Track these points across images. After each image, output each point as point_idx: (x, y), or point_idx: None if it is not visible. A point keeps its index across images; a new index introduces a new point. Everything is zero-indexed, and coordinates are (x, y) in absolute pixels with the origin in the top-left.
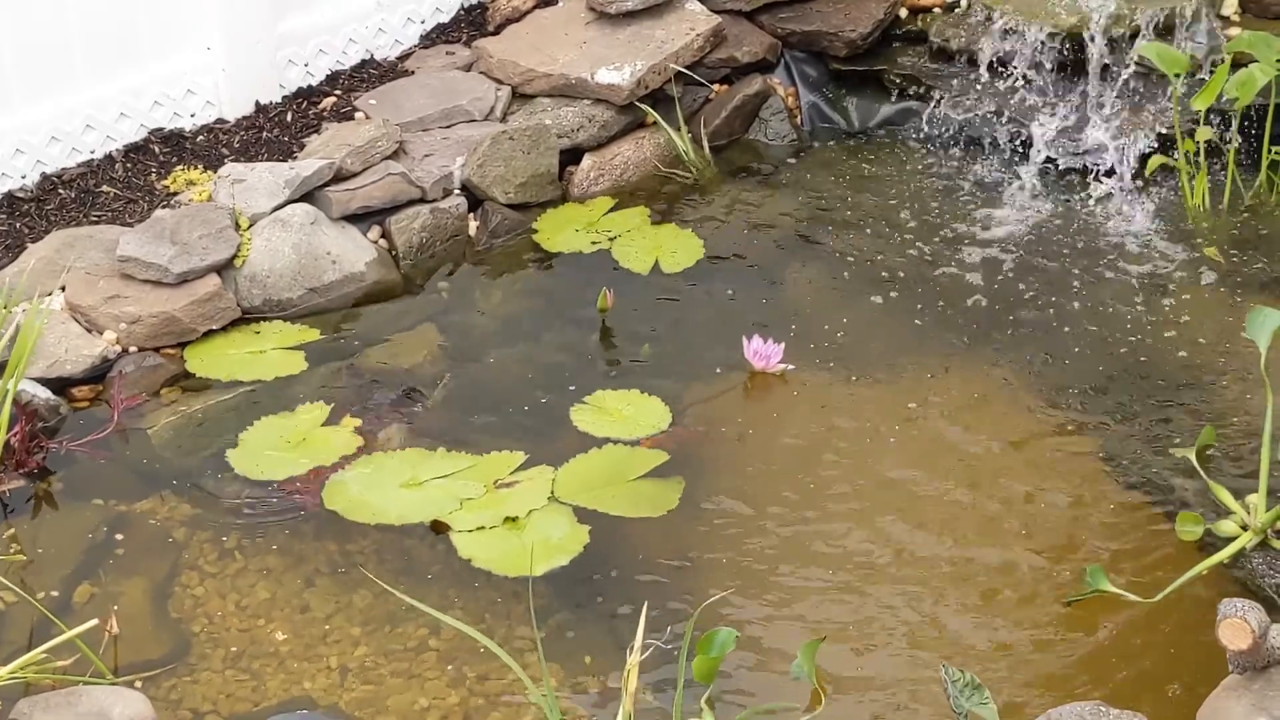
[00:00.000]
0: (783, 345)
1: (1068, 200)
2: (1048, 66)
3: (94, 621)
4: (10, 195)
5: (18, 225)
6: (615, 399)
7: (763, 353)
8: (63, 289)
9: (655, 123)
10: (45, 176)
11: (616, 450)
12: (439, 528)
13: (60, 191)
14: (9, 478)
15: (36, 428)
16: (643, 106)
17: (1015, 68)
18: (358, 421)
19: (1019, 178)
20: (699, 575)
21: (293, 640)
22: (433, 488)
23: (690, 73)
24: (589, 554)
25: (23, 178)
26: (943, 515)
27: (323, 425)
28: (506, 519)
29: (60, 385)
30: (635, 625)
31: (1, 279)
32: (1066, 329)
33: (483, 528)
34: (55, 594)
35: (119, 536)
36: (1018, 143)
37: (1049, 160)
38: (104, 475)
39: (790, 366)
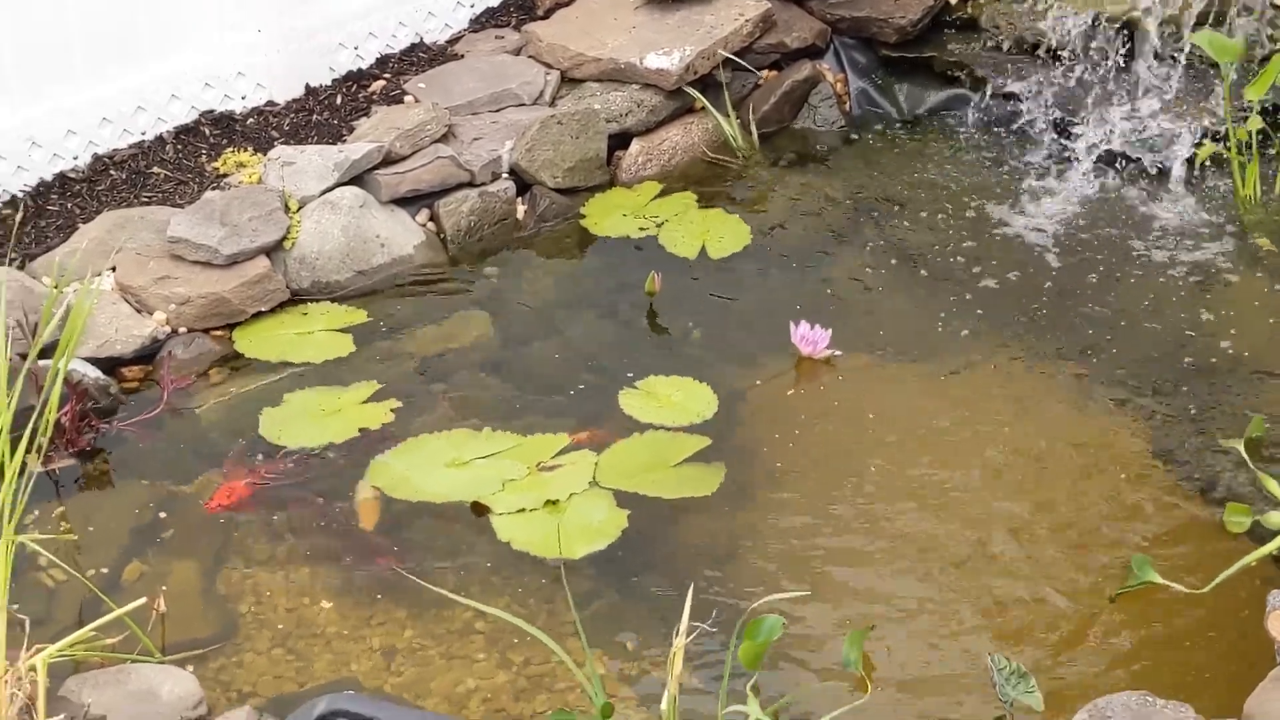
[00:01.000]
0: (830, 331)
1: (1118, 189)
2: (1099, 54)
3: (143, 600)
4: (62, 176)
5: (69, 206)
6: (665, 384)
7: (810, 338)
8: (113, 269)
9: (703, 108)
10: (97, 157)
11: (658, 435)
12: (479, 509)
13: (111, 172)
14: (59, 456)
15: (87, 407)
16: (691, 92)
17: (1066, 55)
18: (397, 403)
19: (1069, 166)
20: (743, 561)
21: (339, 621)
22: (476, 468)
23: (739, 58)
24: (632, 539)
25: (74, 159)
26: (989, 504)
27: (363, 403)
28: (547, 502)
29: (110, 365)
30: (678, 608)
31: (53, 259)
32: (1115, 319)
33: (523, 510)
34: (105, 572)
35: (168, 516)
36: (1068, 130)
37: (1099, 148)
38: (153, 455)
39: (838, 352)
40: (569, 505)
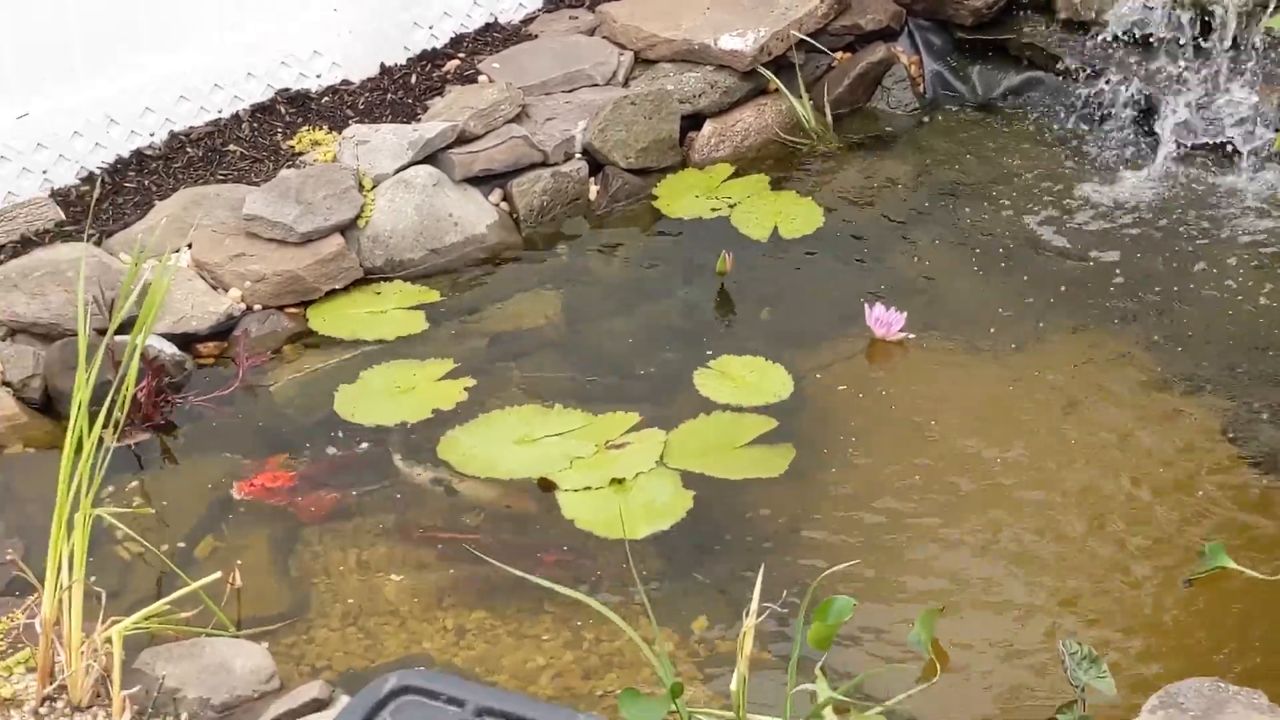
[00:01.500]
0: (904, 314)
1: (1193, 173)
2: (1175, 37)
3: (217, 574)
4: (139, 153)
5: (146, 183)
6: (739, 365)
7: (885, 320)
8: (189, 246)
9: (777, 90)
10: (173, 135)
11: (725, 416)
12: (546, 485)
13: (188, 150)
14: (135, 431)
15: (163, 383)
16: (765, 73)
17: (1142, 38)
18: (471, 381)
19: (1144, 150)
20: (811, 543)
21: (410, 599)
22: (545, 445)
23: (813, 40)
24: (698, 519)
25: (151, 136)
26: (1061, 489)
27: (438, 380)
28: (613, 480)
29: (186, 341)
30: (744, 589)
31: (130, 235)
32: (1189, 302)
33: (589, 488)
34: (179, 546)
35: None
36: (1143, 114)
37: (1175, 132)
38: (227, 431)
39: (911, 335)
40: (635, 484)
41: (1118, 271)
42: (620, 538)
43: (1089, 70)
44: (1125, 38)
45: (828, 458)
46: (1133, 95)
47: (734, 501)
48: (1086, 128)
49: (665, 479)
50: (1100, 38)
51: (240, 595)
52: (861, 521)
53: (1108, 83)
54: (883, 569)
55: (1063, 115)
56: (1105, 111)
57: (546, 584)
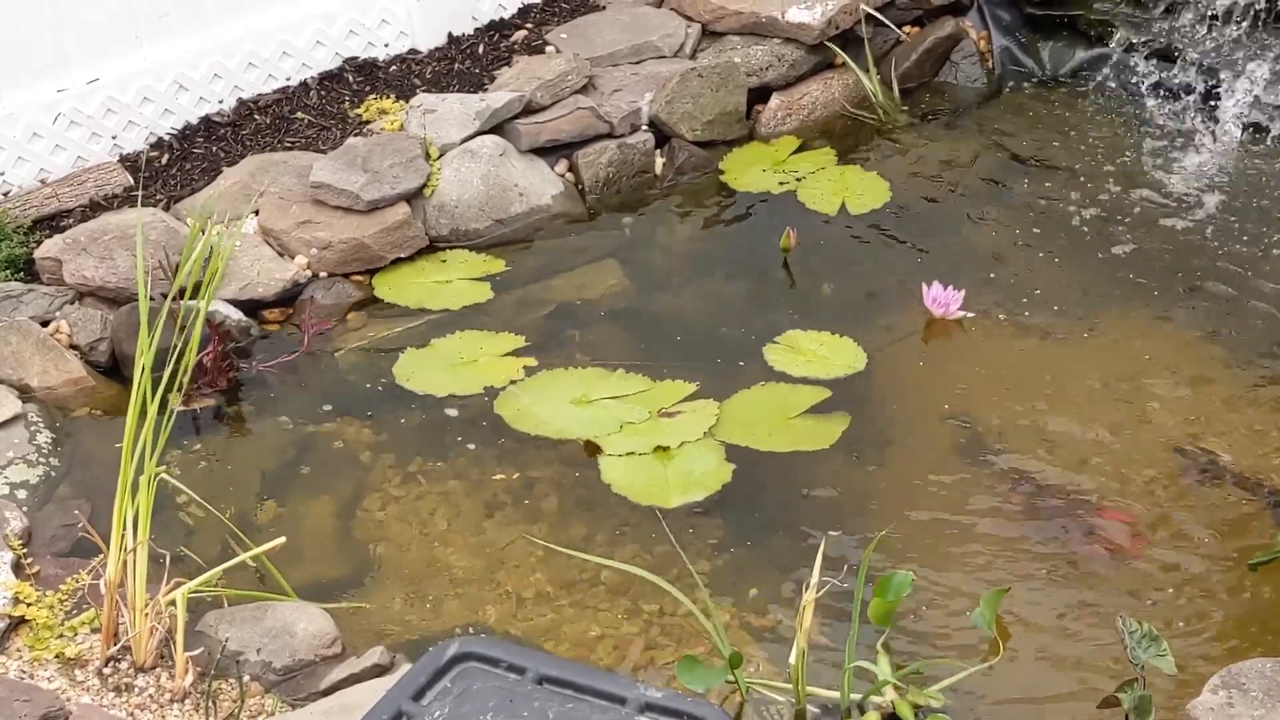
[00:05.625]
0: (963, 292)
1: (1263, 153)
2: (1246, 15)
3: (282, 539)
4: (208, 119)
5: (214, 149)
6: (806, 339)
7: (942, 300)
8: (256, 213)
9: (844, 64)
10: (242, 102)
11: (779, 388)
12: (592, 450)
13: (256, 117)
14: (201, 396)
15: (228, 348)
16: (832, 47)
17: (1215, 15)
18: (532, 361)
19: (1215, 129)
20: (860, 518)
21: (471, 565)
22: (599, 407)
23: (881, 14)
24: (737, 491)
25: (220, 102)
26: (1123, 471)
27: (500, 356)
28: (657, 448)
29: (252, 307)
30: (787, 562)
31: (197, 201)
32: (1259, 285)
33: (632, 453)
34: (242, 510)
35: (305, 457)
36: (1215, 92)
37: (1246, 111)
38: (292, 397)
39: (970, 314)
40: (678, 453)
41: (1181, 253)
42: (653, 505)
43: (1159, 47)
44: (1197, 15)
45: (881, 432)
46: (1203, 72)
47: (783, 473)
48: (1156, 105)
49: (709, 450)
50: (1172, 14)
51: (302, 559)
52: (917, 498)
53: (1178, 60)
54: (935, 547)
55: (1132, 92)
56: (1175, 88)
57: (608, 563)
